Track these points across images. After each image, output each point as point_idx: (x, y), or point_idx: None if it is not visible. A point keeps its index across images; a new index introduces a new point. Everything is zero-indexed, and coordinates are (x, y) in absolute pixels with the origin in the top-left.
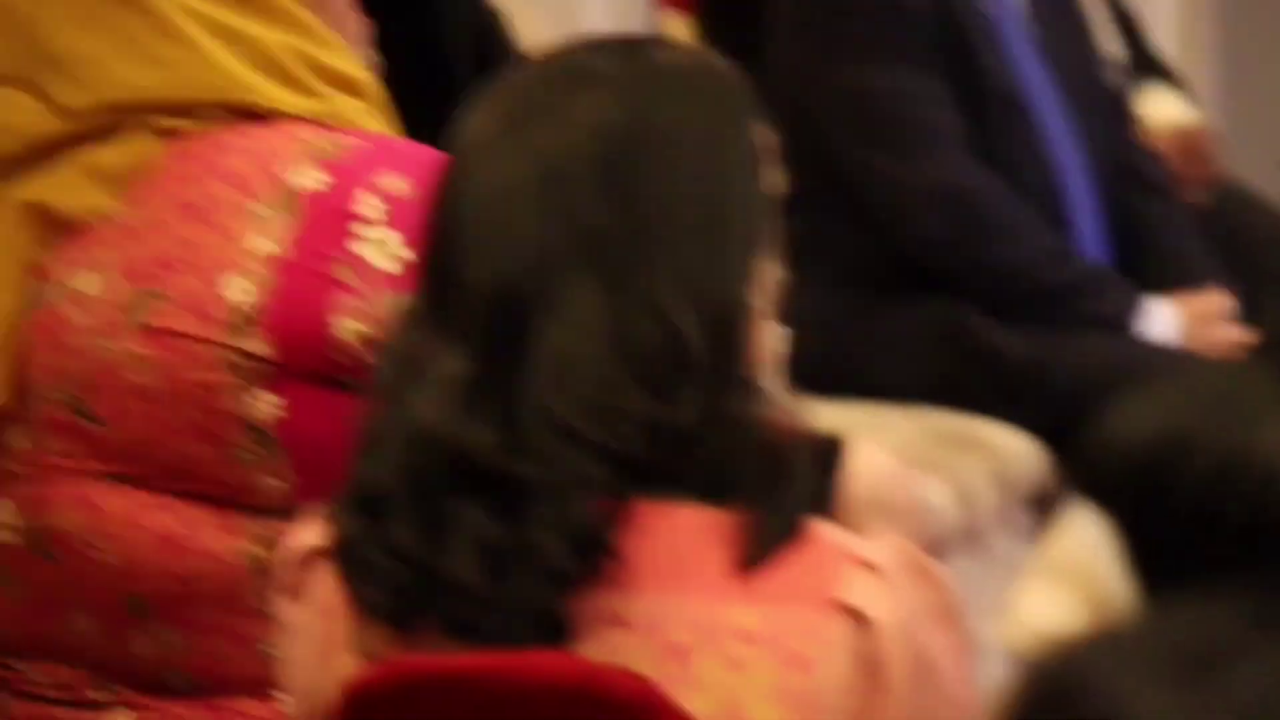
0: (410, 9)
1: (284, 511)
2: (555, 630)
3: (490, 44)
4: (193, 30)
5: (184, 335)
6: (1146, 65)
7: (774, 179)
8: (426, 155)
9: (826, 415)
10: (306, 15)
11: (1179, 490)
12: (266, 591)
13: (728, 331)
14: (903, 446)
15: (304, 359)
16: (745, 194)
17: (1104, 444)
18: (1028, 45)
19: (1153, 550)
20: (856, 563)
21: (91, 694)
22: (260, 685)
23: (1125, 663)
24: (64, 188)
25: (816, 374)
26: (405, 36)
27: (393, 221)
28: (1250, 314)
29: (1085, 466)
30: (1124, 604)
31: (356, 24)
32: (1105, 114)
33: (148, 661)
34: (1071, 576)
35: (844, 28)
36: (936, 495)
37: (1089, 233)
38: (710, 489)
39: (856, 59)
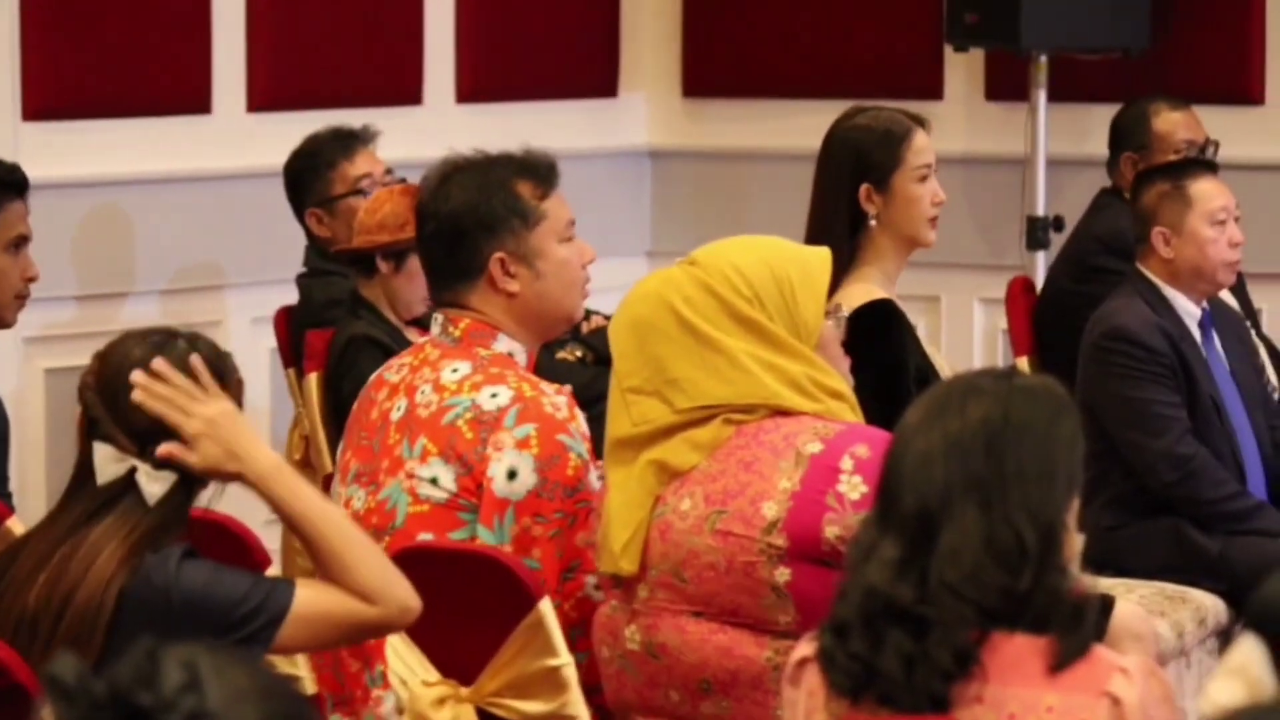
0: (872, 358)
1: (789, 634)
2: (942, 705)
3: (925, 375)
4: (749, 363)
5: (738, 535)
6: None
7: (1082, 451)
8: (879, 435)
9: (1103, 584)
10: (814, 355)
11: None
12: (778, 680)
13: (1052, 538)
14: (1145, 602)
15: (805, 549)
16: (1068, 461)
17: (1261, 603)
18: (1225, 371)
19: None
20: (1118, 670)
21: None
22: None
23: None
24: (676, 452)
25: (1096, 560)
26: (870, 370)
27: (858, 471)
28: None
29: (1251, 615)
30: (1272, 692)
31: (841, 362)
32: (1266, 411)
33: (711, 716)
34: (1240, 676)
35: (1120, 361)
36: (1163, 629)
37: (1256, 482)
38: (1035, 625)
39: (1125, 379)
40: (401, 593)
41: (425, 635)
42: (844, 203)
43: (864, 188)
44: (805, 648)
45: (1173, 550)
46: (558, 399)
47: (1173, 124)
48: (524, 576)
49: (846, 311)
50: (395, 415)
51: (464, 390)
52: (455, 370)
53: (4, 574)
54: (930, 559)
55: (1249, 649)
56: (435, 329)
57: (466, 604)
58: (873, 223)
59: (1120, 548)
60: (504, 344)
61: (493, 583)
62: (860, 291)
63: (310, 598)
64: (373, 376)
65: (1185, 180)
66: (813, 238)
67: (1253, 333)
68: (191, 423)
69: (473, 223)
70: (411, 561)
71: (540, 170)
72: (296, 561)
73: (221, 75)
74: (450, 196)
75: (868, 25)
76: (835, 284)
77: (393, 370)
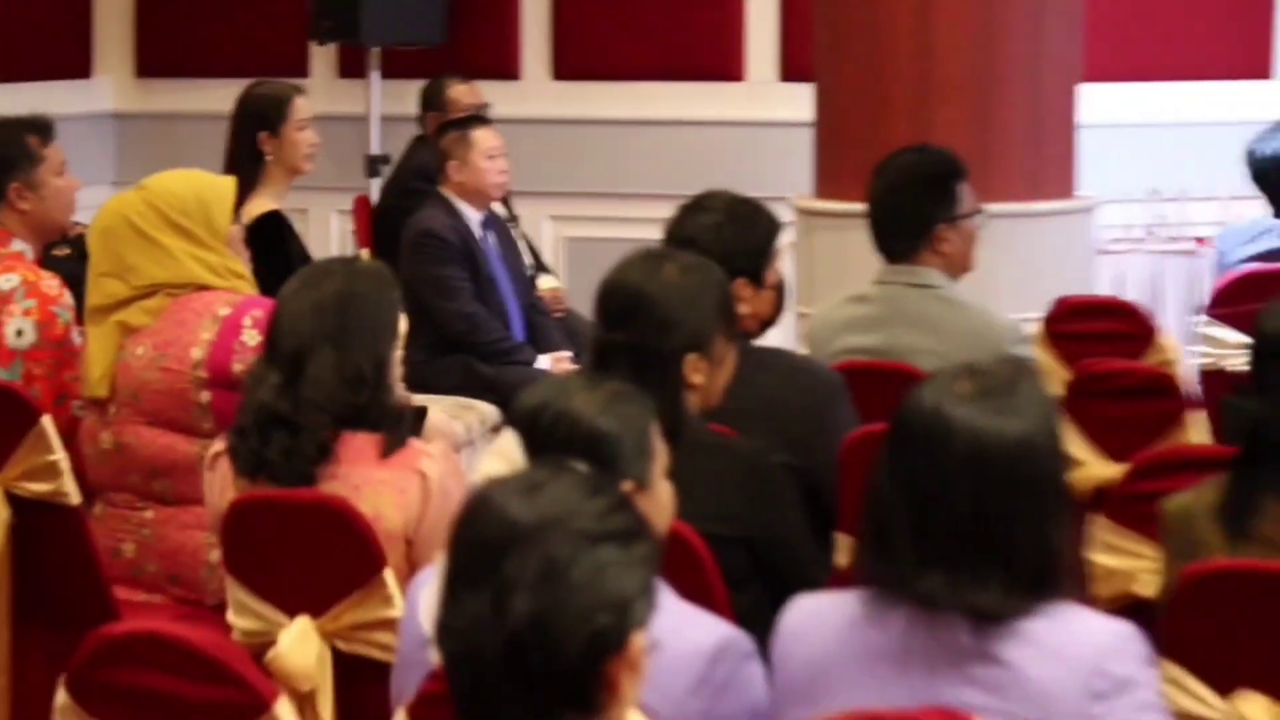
0: (271, 253)
1: (210, 436)
2: (311, 481)
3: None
4: (180, 255)
5: (175, 370)
6: (541, 267)
7: (400, 310)
8: (269, 302)
9: (420, 399)
10: (224, 249)
11: (542, 422)
12: (203, 467)
13: (382, 369)
14: (446, 410)
15: (220, 379)
16: (390, 315)
17: (518, 407)
18: (497, 256)
19: (533, 444)
20: (426, 455)
21: (138, 504)
22: (200, 503)
23: (508, 487)
24: (133, 316)
25: (413, 384)
26: (272, 261)
27: (255, 326)
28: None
29: (510, 416)
30: (521, 465)
31: (243, 253)
32: (525, 284)
33: (158, 491)
34: (502, 456)
35: (428, 251)
36: (459, 428)
37: (517, 329)
38: (371, 426)
39: (431, 262)
40: None
41: None
42: (248, 144)
43: (262, 135)
44: (219, 444)
45: (463, 376)
46: (51, 282)
47: (460, 93)
48: (30, 402)
49: (246, 220)
50: None
51: None
52: None
53: None
54: (301, 384)
55: (508, 439)
56: None
57: None
58: (268, 159)
59: (430, 375)
60: (18, 245)
61: (8, 407)
62: (260, 204)
63: None
64: None
65: (468, 130)
66: (229, 168)
67: (514, 231)
68: None
69: None
70: None
71: (41, 127)
72: None
73: None
74: None
75: (255, 24)
76: (242, 200)
77: None
